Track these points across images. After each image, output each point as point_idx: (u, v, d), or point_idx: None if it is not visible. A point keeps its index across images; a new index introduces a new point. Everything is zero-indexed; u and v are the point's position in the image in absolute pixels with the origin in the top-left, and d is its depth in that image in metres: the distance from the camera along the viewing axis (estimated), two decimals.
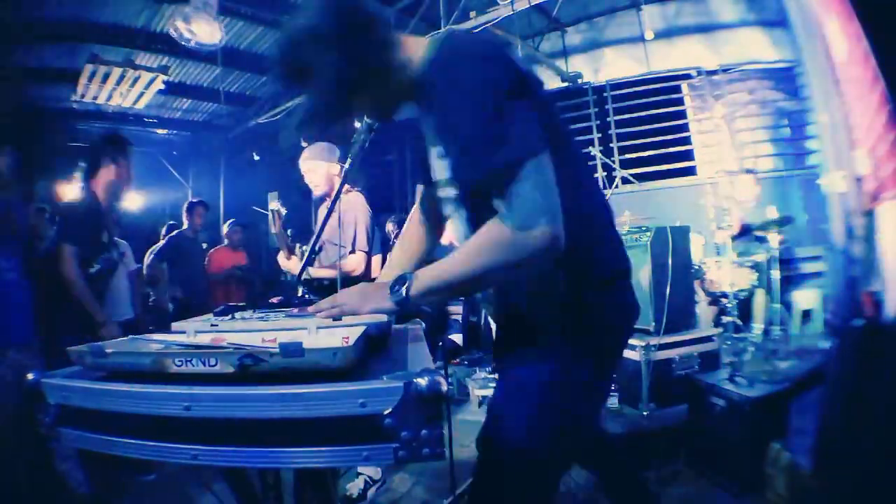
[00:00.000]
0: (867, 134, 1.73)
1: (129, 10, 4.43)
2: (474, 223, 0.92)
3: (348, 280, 2.18)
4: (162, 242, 4.22)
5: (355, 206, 2.33)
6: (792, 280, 3.53)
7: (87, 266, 2.21)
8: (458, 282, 0.86)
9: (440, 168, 1.00)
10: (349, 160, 1.41)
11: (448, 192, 1.02)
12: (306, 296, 2.13)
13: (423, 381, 0.63)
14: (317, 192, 2.40)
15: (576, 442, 1.10)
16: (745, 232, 3.50)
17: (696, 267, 3.43)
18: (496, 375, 1.09)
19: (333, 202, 1.50)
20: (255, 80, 6.14)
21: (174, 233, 4.21)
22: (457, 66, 0.86)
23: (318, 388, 0.65)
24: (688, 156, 4.93)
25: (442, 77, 0.87)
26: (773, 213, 3.39)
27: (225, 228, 4.84)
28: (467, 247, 0.86)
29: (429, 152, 1.04)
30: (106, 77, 5.01)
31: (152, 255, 4.01)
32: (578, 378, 0.96)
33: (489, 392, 3.22)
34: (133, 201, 7.10)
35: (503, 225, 0.82)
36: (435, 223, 1.29)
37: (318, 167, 2.37)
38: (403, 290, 0.86)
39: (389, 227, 4.88)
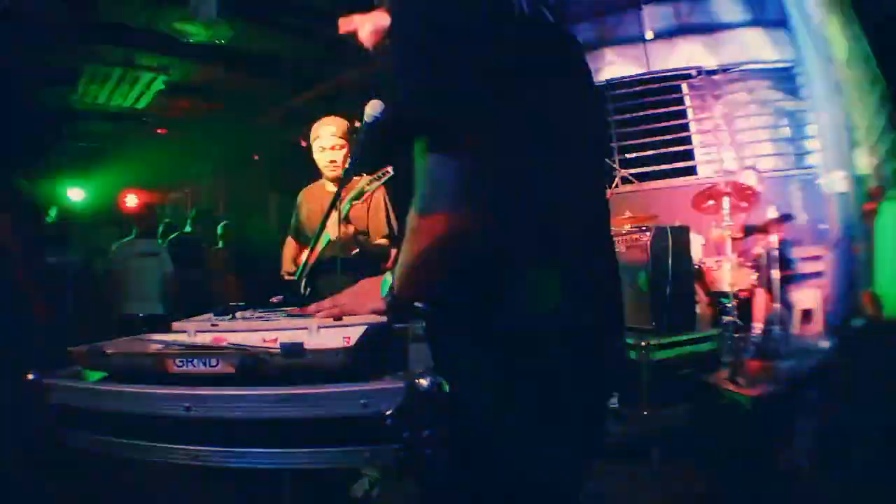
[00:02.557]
0: (867, 134, 1.73)
1: (129, 9, 4.43)
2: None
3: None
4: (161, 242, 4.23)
5: (382, 203, 2.33)
6: (792, 280, 3.53)
7: None
8: (414, 275, 0.78)
9: None
10: (349, 160, 1.41)
11: None
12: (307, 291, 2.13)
13: (424, 382, 0.63)
14: (337, 172, 2.20)
15: None
16: (749, 232, 3.50)
17: (696, 267, 3.43)
18: None
19: (335, 200, 1.50)
20: (255, 80, 6.14)
21: (174, 235, 4.22)
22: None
23: (319, 389, 0.65)
24: (688, 156, 4.93)
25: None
26: (773, 212, 3.40)
27: (220, 229, 4.85)
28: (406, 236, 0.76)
29: None
30: (106, 77, 5.01)
31: None
32: None
33: None
34: (133, 201, 7.11)
35: (413, 208, 0.71)
36: None
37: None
38: (390, 287, 0.83)
39: None
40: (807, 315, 3.48)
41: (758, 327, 3.37)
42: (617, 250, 2.83)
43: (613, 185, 4.57)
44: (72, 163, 6.06)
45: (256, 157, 7.32)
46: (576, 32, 1.00)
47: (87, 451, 0.75)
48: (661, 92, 4.97)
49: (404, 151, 0.74)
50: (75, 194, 6.17)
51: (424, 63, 0.67)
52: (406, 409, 0.62)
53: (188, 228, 4.31)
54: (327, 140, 2.18)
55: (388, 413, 0.62)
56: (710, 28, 4.70)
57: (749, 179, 3.66)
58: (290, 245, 2.43)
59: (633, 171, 4.87)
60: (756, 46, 4.54)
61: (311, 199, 2.36)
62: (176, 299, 3.87)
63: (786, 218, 3.28)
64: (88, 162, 6.51)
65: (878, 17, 1.75)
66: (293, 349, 0.68)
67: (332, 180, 2.24)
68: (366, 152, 1.46)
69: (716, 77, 4.74)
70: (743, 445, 2.02)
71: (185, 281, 4.00)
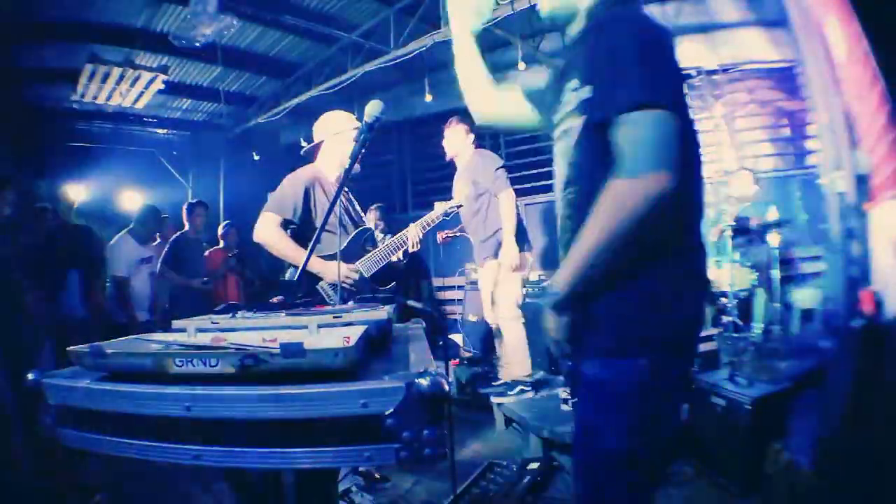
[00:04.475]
0: (866, 134, 1.73)
1: (129, 9, 4.43)
2: (584, 158, 0.96)
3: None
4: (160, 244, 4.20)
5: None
6: (792, 280, 3.53)
7: None
8: (591, 256, 0.86)
9: (569, 101, 1.00)
10: (349, 160, 1.41)
11: (569, 124, 1.00)
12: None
13: (424, 382, 0.63)
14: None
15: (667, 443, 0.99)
16: (742, 230, 3.50)
17: None
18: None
19: (335, 197, 1.49)
20: (255, 79, 6.14)
21: (176, 235, 4.19)
22: (625, 18, 0.95)
23: (320, 389, 0.65)
24: None
25: (611, 21, 0.95)
26: (773, 213, 3.39)
27: (220, 229, 4.83)
28: (591, 217, 0.86)
29: (558, 90, 1.04)
30: (106, 77, 5.01)
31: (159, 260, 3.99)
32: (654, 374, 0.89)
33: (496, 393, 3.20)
34: (133, 201, 7.11)
35: (616, 177, 0.83)
36: None
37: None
38: (553, 300, 0.92)
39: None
40: (806, 315, 3.48)
41: (758, 327, 3.37)
42: None
43: None
44: (72, 163, 6.05)
45: (257, 157, 7.32)
46: None
47: (87, 451, 0.75)
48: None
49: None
50: (75, 194, 6.15)
51: (651, 66, 0.87)
52: (406, 409, 0.62)
53: (187, 227, 4.27)
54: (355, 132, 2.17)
55: (388, 413, 0.62)
56: (710, 28, 4.69)
57: (744, 180, 3.67)
58: (279, 229, 2.07)
59: None
60: (756, 46, 4.54)
61: (324, 190, 2.16)
62: (171, 305, 3.84)
63: (783, 223, 3.28)
64: (88, 162, 6.50)
65: (878, 16, 1.75)
66: (293, 349, 0.68)
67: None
68: (363, 152, 1.46)
69: (715, 77, 4.73)
70: (743, 445, 2.01)
71: (186, 285, 3.96)
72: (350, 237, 2.15)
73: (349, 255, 2.10)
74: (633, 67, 0.86)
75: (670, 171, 0.81)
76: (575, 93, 0.97)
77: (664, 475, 1.06)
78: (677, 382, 0.95)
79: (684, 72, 1.01)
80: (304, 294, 2.01)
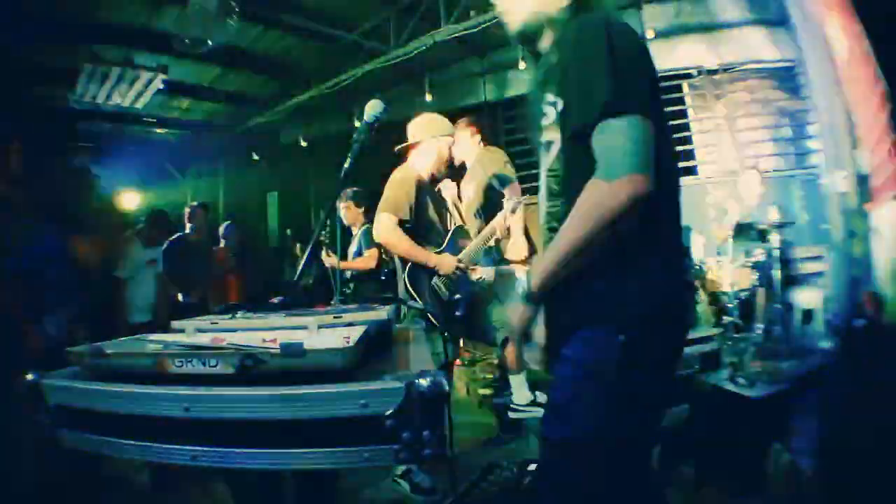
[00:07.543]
0: (868, 134, 1.73)
1: (128, 9, 4.42)
2: (566, 171, 0.97)
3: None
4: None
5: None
6: (793, 280, 3.52)
7: None
8: (568, 254, 0.88)
9: (548, 114, 1.01)
10: (349, 160, 1.41)
11: (550, 136, 1.01)
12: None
13: (424, 382, 0.63)
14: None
15: (647, 425, 0.96)
16: (742, 230, 3.49)
17: (696, 267, 3.43)
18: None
19: (332, 204, 1.48)
20: (255, 79, 6.13)
21: (175, 236, 4.16)
22: (591, 26, 0.94)
23: (319, 389, 0.65)
24: (688, 155, 4.92)
25: (576, 30, 0.95)
26: (774, 213, 3.39)
27: (221, 229, 4.82)
28: (570, 215, 0.89)
29: (539, 101, 1.04)
30: (105, 76, 5.01)
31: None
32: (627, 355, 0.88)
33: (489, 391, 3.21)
34: (132, 201, 7.10)
35: (594, 179, 0.86)
36: None
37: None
38: (525, 291, 0.92)
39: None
40: (807, 315, 3.47)
41: (758, 327, 3.37)
42: None
43: None
44: (71, 162, 6.04)
45: (257, 158, 7.31)
46: None
47: (87, 451, 0.75)
48: (662, 91, 4.96)
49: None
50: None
51: (619, 73, 0.87)
52: (406, 409, 0.62)
53: (188, 230, 4.23)
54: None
55: (387, 413, 0.62)
56: (710, 27, 4.69)
57: (751, 180, 3.66)
58: (398, 230, 2.18)
59: None
60: (757, 46, 4.54)
61: (424, 189, 2.31)
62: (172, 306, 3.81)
63: (785, 224, 3.27)
64: (87, 162, 6.50)
65: (878, 16, 1.75)
66: (293, 349, 0.68)
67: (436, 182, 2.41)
68: (363, 153, 1.45)
69: (716, 76, 4.73)
70: (743, 446, 2.01)
71: (188, 282, 3.94)
72: (450, 234, 2.32)
73: (450, 250, 2.29)
74: (600, 76, 0.87)
75: (645, 174, 0.83)
76: (552, 106, 0.99)
77: (649, 461, 1.04)
78: (660, 360, 0.93)
79: (658, 73, 1.01)
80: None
